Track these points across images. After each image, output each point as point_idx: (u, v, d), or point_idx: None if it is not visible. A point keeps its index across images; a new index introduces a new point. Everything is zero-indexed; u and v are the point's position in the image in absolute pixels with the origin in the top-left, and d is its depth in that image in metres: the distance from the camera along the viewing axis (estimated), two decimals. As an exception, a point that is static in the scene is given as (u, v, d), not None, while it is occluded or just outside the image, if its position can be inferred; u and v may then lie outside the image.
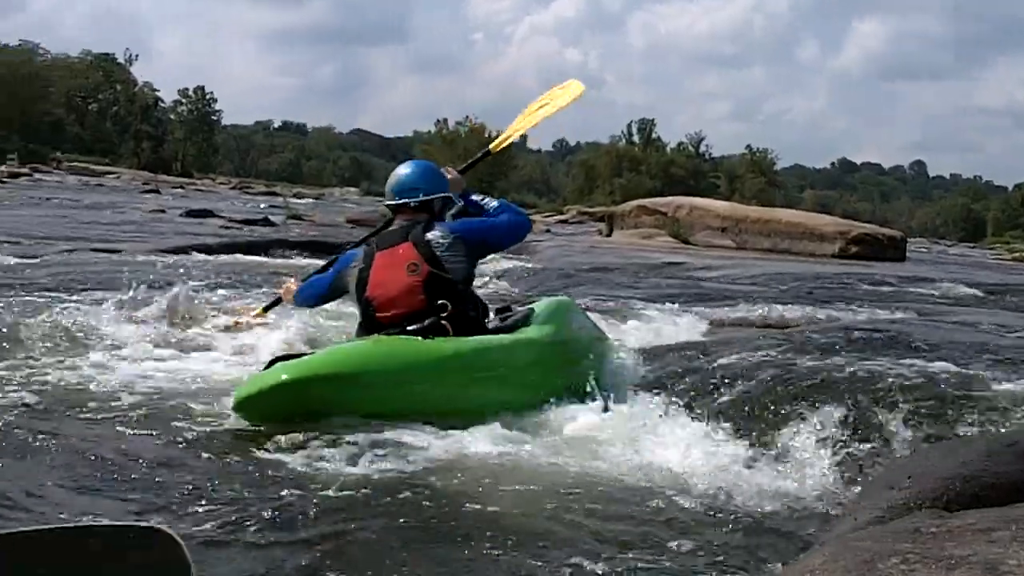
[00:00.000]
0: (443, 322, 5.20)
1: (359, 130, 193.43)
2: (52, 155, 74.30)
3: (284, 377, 4.53)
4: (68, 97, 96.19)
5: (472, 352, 5.12)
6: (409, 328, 5.11)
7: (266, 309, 7.06)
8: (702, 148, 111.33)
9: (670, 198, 30.42)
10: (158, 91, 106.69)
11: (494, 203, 5.76)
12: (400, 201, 5.57)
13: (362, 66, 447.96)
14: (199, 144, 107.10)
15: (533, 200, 76.96)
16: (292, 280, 6.64)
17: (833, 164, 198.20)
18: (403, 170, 5.72)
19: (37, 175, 51.99)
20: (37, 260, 11.12)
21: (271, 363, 4.84)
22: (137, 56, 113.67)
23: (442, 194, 5.61)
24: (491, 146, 7.18)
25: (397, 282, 5.30)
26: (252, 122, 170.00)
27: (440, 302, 5.25)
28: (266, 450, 4.06)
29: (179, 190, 51.86)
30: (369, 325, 5.33)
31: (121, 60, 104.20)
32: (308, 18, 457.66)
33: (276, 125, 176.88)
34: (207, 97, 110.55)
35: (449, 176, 5.75)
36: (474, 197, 5.78)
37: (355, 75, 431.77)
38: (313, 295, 6.08)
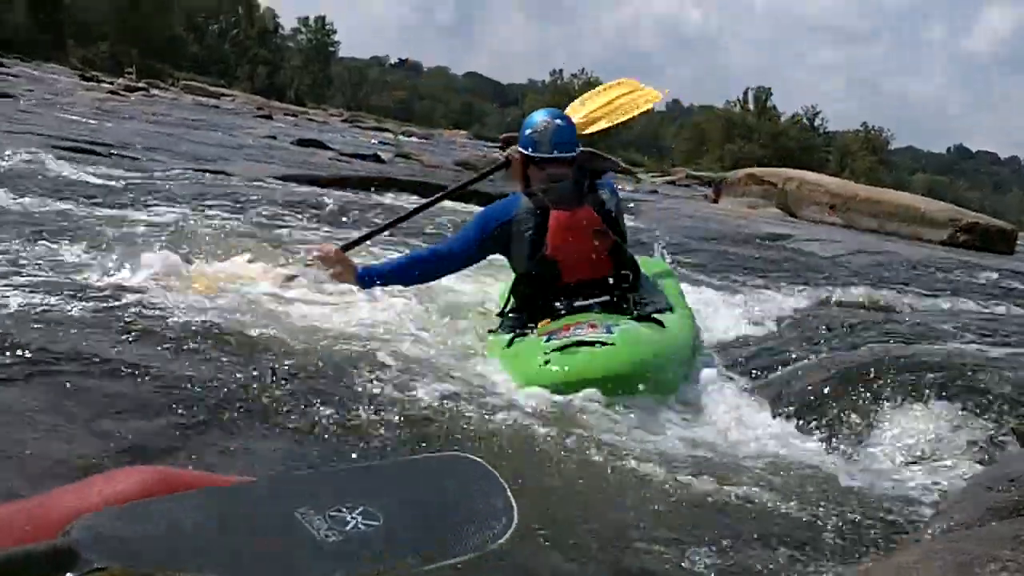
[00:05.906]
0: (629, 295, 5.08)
1: (473, 73, 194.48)
2: (169, 72, 75.54)
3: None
4: (189, 16, 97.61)
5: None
6: (599, 300, 4.96)
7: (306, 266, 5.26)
8: (817, 122, 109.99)
9: (780, 169, 29.91)
10: (279, 17, 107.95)
11: None
12: (560, 155, 5.22)
13: (481, 8, 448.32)
14: (314, 74, 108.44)
15: (640, 160, 76.39)
16: (331, 247, 5.53)
17: (948, 149, 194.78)
18: (557, 120, 5.31)
19: (154, 91, 52.90)
20: (149, 175, 11.31)
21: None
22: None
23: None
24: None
25: (586, 247, 5.04)
26: (368, 56, 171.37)
27: (623, 272, 5.11)
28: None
29: (291, 118, 52.40)
30: (547, 289, 5.01)
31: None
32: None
33: (392, 61, 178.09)
34: (326, 27, 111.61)
35: None
36: None
37: (474, 16, 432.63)
38: (426, 268, 5.32)
